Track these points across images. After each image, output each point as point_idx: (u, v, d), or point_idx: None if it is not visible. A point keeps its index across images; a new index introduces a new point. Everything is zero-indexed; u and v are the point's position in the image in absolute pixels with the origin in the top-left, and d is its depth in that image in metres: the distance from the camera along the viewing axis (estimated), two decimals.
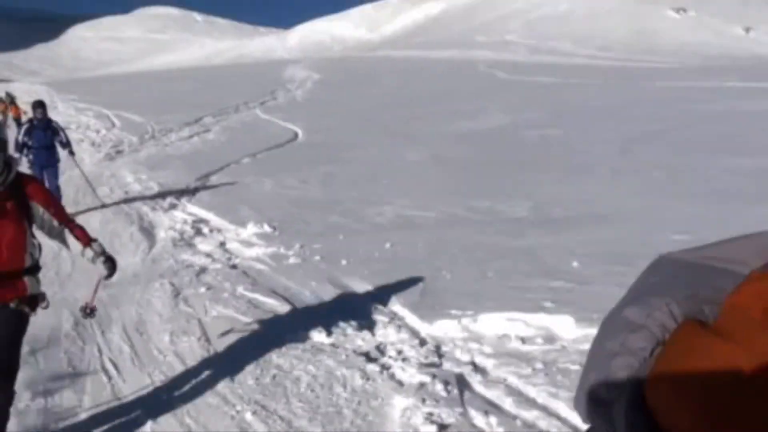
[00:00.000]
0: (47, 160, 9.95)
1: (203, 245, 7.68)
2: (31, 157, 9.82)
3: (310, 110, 25.82)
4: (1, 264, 3.39)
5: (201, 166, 13.83)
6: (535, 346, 4.36)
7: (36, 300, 3.59)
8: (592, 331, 4.11)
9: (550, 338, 4.46)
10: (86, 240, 3.63)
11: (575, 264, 5.93)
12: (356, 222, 8.49)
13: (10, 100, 25.28)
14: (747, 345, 0.53)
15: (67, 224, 3.63)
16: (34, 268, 3.59)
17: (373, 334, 4.76)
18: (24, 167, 7.72)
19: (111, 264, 3.65)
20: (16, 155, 8.41)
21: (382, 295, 5.51)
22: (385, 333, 4.76)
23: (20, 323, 3.52)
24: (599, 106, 22.98)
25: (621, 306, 0.66)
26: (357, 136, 18.49)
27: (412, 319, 4.99)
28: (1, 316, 3.44)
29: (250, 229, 8.12)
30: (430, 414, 3.52)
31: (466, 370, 4.07)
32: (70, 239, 3.62)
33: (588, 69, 39.59)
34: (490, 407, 3.62)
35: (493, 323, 4.75)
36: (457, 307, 5.03)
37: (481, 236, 7.21)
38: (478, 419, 3.49)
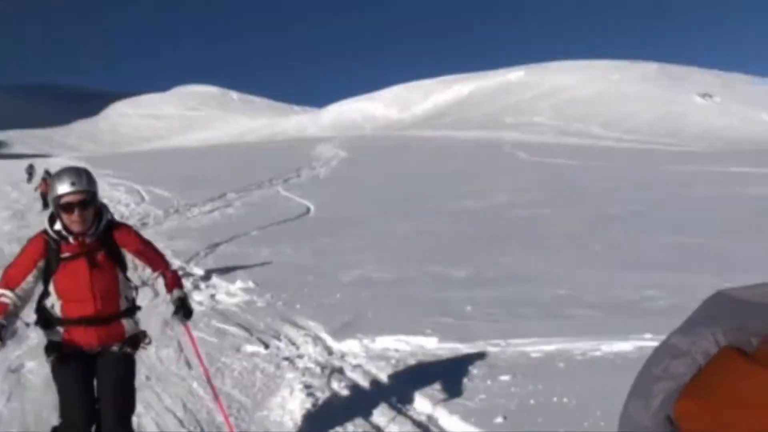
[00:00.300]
0: None
1: (197, 296, 9.98)
2: None
3: (329, 187, 28.36)
4: (97, 311, 3.61)
5: (214, 236, 16.29)
6: (402, 353, 6.51)
7: (137, 339, 3.84)
8: (447, 345, 6.42)
9: (415, 350, 6.63)
10: (171, 286, 3.87)
11: (468, 308, 8.10)
12: (325, 281, 10.74)
13: (47, 176, 28.36)
14: None
15: (163, 272, 3.85)
16: (131, 310, 3.82)
17: (297, 348, 7.02)
18: None
19: (180, 306, 3.87)
20: None
21: (315, 325, 7.74)
22: (307, 347, 6.99)
23: (128, 366, 3.75)
24: (602, 188, 24.88)
25: (670, 335, 0.71)
26: (361, 211, 20.81)
27: (328, 339, 7.20)
28: (108, 362, 3.66)
29: (237, 285, 10.43)
30: (304, 381, 5.75)
31: (345, 364, 6.26)
32: (160, 283, 3.86)
33: (610, 151, 41.89)
34: (346, 380, 5.86)
35: (383, 342, 6.95)
36: (363, 333, 7.23)
37: (415, 291, 9.41)
38: (334, 384, 5.72)
